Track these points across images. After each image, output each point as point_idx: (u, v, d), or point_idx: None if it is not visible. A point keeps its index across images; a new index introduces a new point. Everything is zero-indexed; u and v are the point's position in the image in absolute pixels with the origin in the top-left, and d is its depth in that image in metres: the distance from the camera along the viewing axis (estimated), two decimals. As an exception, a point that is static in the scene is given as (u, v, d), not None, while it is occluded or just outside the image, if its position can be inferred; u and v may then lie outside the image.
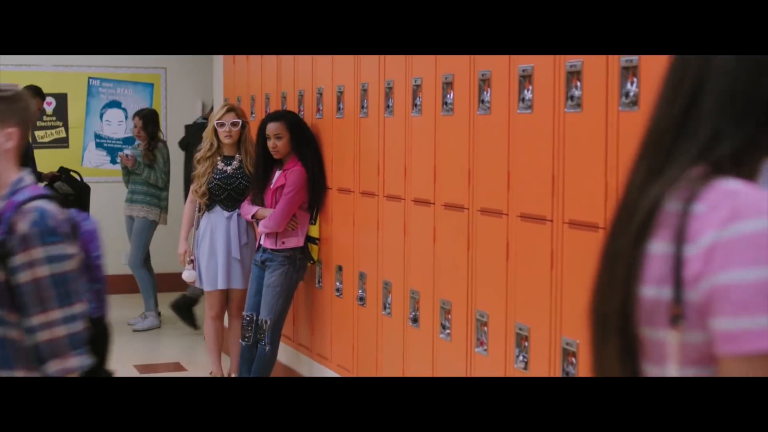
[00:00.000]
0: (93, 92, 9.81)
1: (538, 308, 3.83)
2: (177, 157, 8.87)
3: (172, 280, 8.83)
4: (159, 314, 8.91)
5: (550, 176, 3.75)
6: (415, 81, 4.84)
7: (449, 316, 4.57)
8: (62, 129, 9.79)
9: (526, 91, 3.91)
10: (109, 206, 9.26)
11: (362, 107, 5.45)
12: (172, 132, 8.99)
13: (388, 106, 5.15)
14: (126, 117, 9.83)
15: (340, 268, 5.80)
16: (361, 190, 5.48)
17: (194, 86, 9.93)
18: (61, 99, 9.69)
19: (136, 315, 8.81)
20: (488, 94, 4.18)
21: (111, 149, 9.87)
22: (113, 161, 9.79)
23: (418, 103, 4.83)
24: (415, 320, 4.87)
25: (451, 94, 4.51)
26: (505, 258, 4.07)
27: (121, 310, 8.72)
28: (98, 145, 9.87)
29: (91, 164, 9.84)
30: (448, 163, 4.57)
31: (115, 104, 9.87)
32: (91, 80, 9.79)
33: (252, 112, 7.24)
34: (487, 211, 4.23)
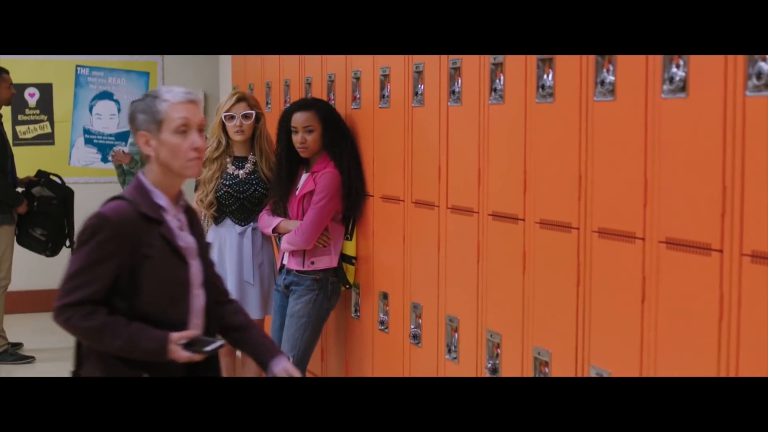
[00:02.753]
0: (81, 82, 9.04)
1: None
2: None
3: None
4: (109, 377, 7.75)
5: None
6: (495, 59, 3.69)
7: (545, 370, 3.42)
8: (47, 123, 8.99)
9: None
10: None
11: (416, 93, 4.29)
12: None
13: (453, 92, 3.99)
14: (119, 110, 9.10)
15: (384, 296, 4.64)
16: (415, 198, 4.33)
17: (195, 75, 9.13)
18: (46, 90, 8.95)
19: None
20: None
21: (102, 146, 9.10)
22: (104, 159, 9.04)
23: (498, 87, 3.67)
24: (494, 370, 3.71)
25: (550, 75, 3.37)
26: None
27: None
28: (88, 142, 9.08)
29: (80, 163, 9.07)
30: (544, 168, 3.42)
31: (106, 95, 9.13)
32: (79, 69, 9.03)
33: (267, 103, 6.11)
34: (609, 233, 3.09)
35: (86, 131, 9.07)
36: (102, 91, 9.09)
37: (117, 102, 9.13)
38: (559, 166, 3.32)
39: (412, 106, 4.32)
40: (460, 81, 3.95)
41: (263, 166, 5.15)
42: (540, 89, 3.42)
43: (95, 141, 9.09)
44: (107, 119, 9.13)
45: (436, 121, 4.12)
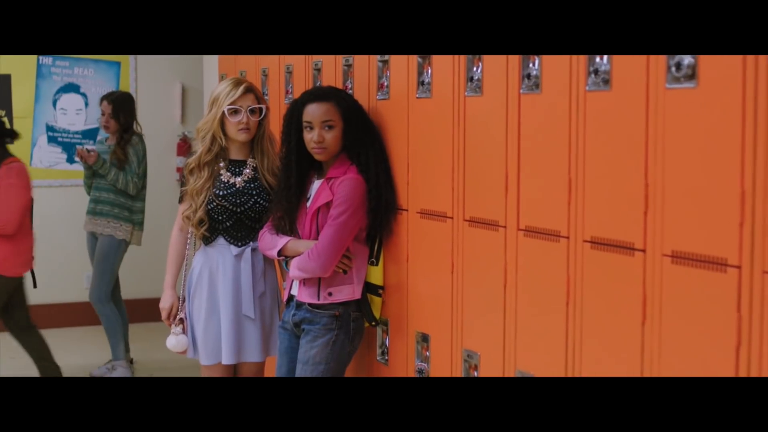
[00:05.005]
0: (44, 73, 8.39)
1: None
2: (158, 155, 7.67)
3: (146, 309, 7.91)
4: (131, 362, 7.04)
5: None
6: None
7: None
8: (4, 120, 8.10)
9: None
10: (66, 217, 8.12)
11: (470, 79, 3.30)
12: (143, 125, 7.19)
13: (527, 77, 3.02)
14: (86, 104, 8.47)
15: (424, 338, 3.66)
16: (470, 215, 3.34)
17: (172, 64, 8.56)
18: (4, 82, 8.29)
19: (101, 361, 7.06)
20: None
21: (67, 144, 8.44)
22: (70, 160, 8.37)
23: (602, 68, 2.71)
24: None
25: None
26: None
27: (81, 352, 7.39)
28: (51, 140, 8.42)
29: (43, 164, 8.40)
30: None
31: (72, 88, 8.48)
32: (41, 58, 8.39)
33: (264, 94, 5.11)
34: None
35: (50, 128, 8.39)
36: (67, 83, 8.44)
37: (84, 95, 8.46)
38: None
39: (464, 95, 3.34)
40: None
41: (265, 171, 4.15)
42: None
43: (60, 139, 8.42)
44: (73, 115, 8.46)
45: (501, 113, 3.15)
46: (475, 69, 3.28)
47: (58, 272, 8.12)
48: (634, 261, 2.62)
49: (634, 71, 2.59)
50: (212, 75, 6.57)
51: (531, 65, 3.00)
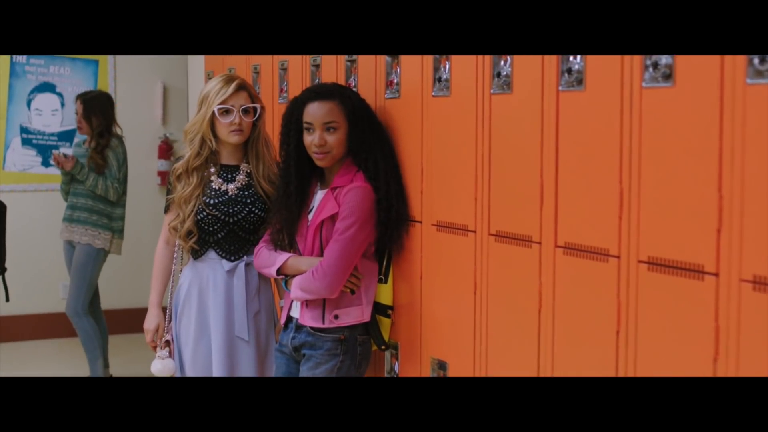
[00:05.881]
0: (17, 72, 8.12)
1: None
2: (139, 158, 7.39)
3: (126, 320, 7.74)
4: (110, 378, 6.67)
5: None
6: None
7: None
8: None
9: None
10: (41, 223, 7.83)
11: (497, 75, 2.93)
12: (122, 127, 6.92)
13: (568, 71, 2.65)
14: (62, 104, 8.19)
15: (441, 366, 3.28)
16: (496, 229, 2.97)
17: (153, 62, 8.25)
18: None
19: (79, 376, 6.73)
20: None
21: (43, 147, 8.15)
22: (45, 163, 8.10)
23: (662, 62, 2.35)
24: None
25: None
26: None
27: (57, 366, 7.14)
28: (25, 142, 8.14)
29: (16, 167, 8.11)
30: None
31: (47, 87, 8.21)
32: (14, 56, 8.10)
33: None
34: None
35: (24, 130, 8.12)
36: (42, 82, 8.17)
37: (60, 95, 8.18)
38: (520, 170, 2.91)
39: (490, 92, 2.96)
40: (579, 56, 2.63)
41: (260, 178, 3.76)
42: (565, 74, 2.63)
43: (34, 141, 8.13)
44: (48, 116, 8.19)
45: (535, 112, 2.78)
46: (502, 64, 2.92)
47: (32, 282, 7.87)
48: (608, 267, 2.54)
49: (607, 70, 2.53)
50: (198, 73, 6.23)
51: (572, 59, 2.67)
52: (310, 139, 3.39)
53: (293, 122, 3.45)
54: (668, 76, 2.35)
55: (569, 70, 2.65)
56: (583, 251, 2.62)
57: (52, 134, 8.14)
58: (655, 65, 2.37)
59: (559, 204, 2.72)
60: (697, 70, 2.27)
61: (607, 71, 2.53)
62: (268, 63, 4.63)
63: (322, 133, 3.38)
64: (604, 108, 2.53)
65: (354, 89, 3.64)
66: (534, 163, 2.79)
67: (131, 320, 7.65)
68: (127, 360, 7.04)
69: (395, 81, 3.48)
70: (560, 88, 2.68)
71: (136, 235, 7.44)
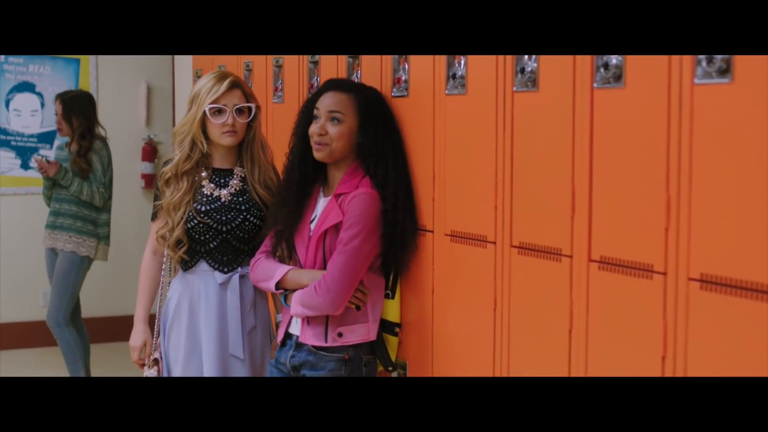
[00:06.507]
0: None
1: None
2: (122, 161, 7.21)
3: (109, 328, 7.61)
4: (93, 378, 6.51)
5: None
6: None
7: None
8: None
9: None
10: (21, 228, 7.67)
11: (520, 72, 2.66)
12: (105, 129, 6.78)
13: (605, 66, 2.40)
14: (42, 105, 8.04)
15: (455, 388, 3.00)
16: (518, 240, 2.71)
17: (136, 61, 8.10)
18: None
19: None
20: None
21: (22, 149, 8.00)
22: (25, 166, 7.95)
23: (716, 59, 2.11)
24: None
25: None
26: None
27: (38, 374, 6.96)
28: (3, 144, 7.96)
29: None
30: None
31: (26, 87, 8.07)
32: None
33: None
34: None
35: (2, 131, 7.96)
36: (21, 81, 8.03)
37: (40, 95, 8.02)
38: (547, 176, 2.69)
39: (512, 90, 2.70)
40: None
41: (256, 183, 3.49)
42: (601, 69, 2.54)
43: (13, 143, 7.97)
44: (28, 116, 8.03)
45: (565, 112, 2.51)
46: (527, 59, 2.65)
47: (12, 289, 7.74)
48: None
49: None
50: (185, 72, 5.97)
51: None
52: (313, 128, 3.16)
53: (306, 113, 3.25)
54: (619, 77, 2.36)
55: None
56: (623, 266, 2.37)
57: (32, 136, 7.98)
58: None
59: (593, 214, 2.47)
60: (646, 70, 2.27)
61: (649, 68, 2.32)
62: (261, 60, 4.36)
63: (326, 122, 3.16)
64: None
65: (378, 91, 3.35)
66: (564, 168, 2.53)
67: (114, 328, 7.61)
68: (109, 370, 6.85)
69: (403, 78, 3.22)
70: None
71: (119, 240, 7.27)
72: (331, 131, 3.14)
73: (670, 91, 2.20)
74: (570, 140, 2.51)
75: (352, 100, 3.15)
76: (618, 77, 2.36)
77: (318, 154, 3.18)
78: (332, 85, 3.22)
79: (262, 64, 4.36)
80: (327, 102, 3.16)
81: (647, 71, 2.27)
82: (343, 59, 3.58)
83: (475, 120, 2.86)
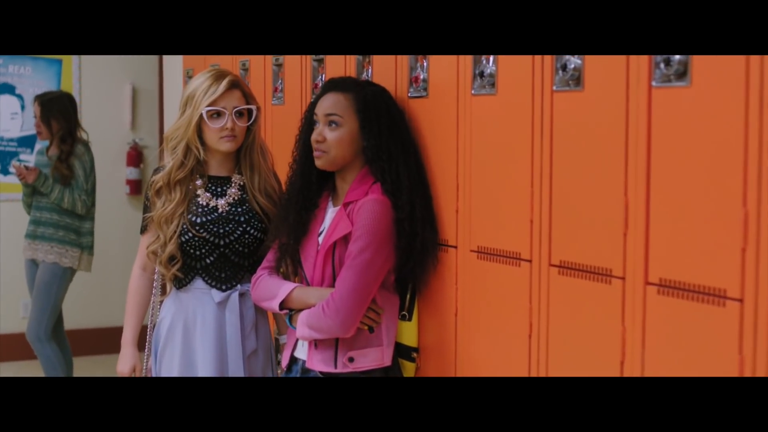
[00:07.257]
0: None
1: None
2: (106, 166, 7.05)
3: (92, 340, 7.39)
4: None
5: None
6: None
7: None
8: None
9: None
10: (2, 238, 7.47)
11: (561, 69, 2.39)
12: (88, 132, 6.58)
13: (666, 64, 2.11)
14: (22, 107, 7.91)
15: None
16: (559, 259, 2.43)
17: (121, 62, 7.94)
18: None
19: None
20: None
21: (1, 154, 7.91)
22: (4, 171, 7.79)
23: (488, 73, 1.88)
24: None
25: None
26: None
27: None
28: None
29: None
30: None
31: (6, 89, 7.95)
32: None
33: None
34: None
35: None
36: (1, 83, 7.91)
37: (20, 97, 7.90)
38: (593, 187, 2.53)
39: (551, 89, 2.41)
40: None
41: (256, 191, 3.19)
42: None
43: None
44: (7, 119, 7.92)
45: (617, 115, 2.23)
46: (568, 56, 2.36)
47: None
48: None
49: (519, 73, 2.54)
50: (174, 72, 5.69)
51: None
52: (313, 135, 2.94)
53: (308, 119, 2.99)
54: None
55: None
56: (684, 290, 2.08)
57: (11, 140, 7.83)
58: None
59: (650, 231, 2.18)
60: (603, 72, 2.26)
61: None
62: (259, 59, 4.07)
63: (323, 128, 2.90)
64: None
65: (383, 87, 3.06)
66: (616, 177, 2.24)
67: (97, 341, 7.43)
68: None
69: (422, 77, 2.93)
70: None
71: (103, 249, 7.07)
72: (329, 137, 2.88)
73: (628, 94, 2.18)
74: (623, 144, 2.24)
75: (350, 100, 2.88)
76: (682, 74, 2.08)
77: (318, 162, 2.92)
78: (331, 85, 2.97)
79: (260, 62, 4.07)
80: (324, 105, 2.91)
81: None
82: (352, 56, 3.29)
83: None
